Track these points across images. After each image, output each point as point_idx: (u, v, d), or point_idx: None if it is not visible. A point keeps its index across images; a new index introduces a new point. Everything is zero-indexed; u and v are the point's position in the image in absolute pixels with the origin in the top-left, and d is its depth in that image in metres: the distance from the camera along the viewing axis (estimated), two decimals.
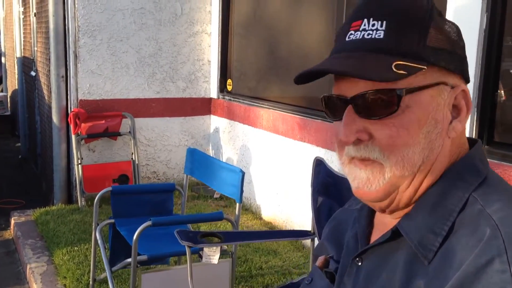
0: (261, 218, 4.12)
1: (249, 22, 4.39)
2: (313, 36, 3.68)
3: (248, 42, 4.45)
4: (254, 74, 4.39)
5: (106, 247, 2.77)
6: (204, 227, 3.65)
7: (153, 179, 4.70)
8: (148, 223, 2.25)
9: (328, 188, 1.90)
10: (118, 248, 2.76)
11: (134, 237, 2.24)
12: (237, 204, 2.39)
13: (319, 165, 1.95)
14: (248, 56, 4.44)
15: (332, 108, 0.80)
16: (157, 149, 4.69)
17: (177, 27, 4.59)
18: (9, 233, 4.05)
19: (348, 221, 0.93)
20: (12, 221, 4.05)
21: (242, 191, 2.35)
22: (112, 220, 2.73)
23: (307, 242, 3.21)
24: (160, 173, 4.73)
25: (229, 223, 2.60)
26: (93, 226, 2.76)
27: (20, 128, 6.70)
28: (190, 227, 2.74)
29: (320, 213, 1.87)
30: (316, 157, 2.00)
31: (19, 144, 6.85)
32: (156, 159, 4.69)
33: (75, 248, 3.43)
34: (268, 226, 3.95)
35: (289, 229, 3.72)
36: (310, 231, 2.21)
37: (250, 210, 4.27)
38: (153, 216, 2.80)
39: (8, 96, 8.17)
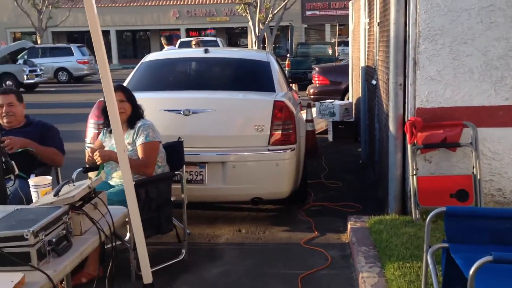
0: None
1: None
2: None
3: None
4: None
5: (438, 271, 2.53)
6: None
7: (498, 197, 4.14)
8: (488, 258, 1.91)
9: None
10: (453, 276, 2.47)
11: (471, 272, 1.93)
12: None
13: None
14: None
15: None
16: (504, 163, 4.11)
17: None
18: (346, 237, 4.23)
19: None
20: (349, 226, 4.21)
21: None
22: (446, 245, 2.46)
23: None
24: (507, 191, 4.13)
25: None
26: (424, 249, 2.55)
27: (361, 134, 7.03)
28: None
29: None
30: None
31: (360, 149, 7.19)
32: (503, 174, 4.12)
33: (407, 264, 3.29)
34: None
35: None
36: None
37: None
38: (496, 245, 2.41)
39: (353, 104, 8.72)
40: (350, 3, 9.23)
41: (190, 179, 4.24)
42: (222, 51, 6.25)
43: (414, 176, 4.05)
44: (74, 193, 1.96)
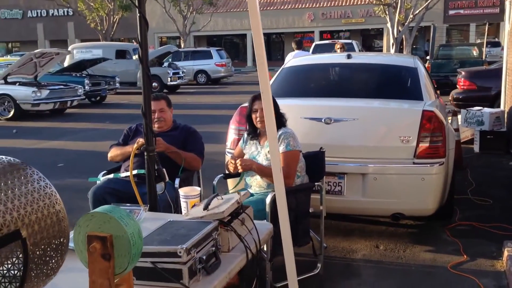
0: None
1: None
2: None
3: None
4: None
5: None
6: None
7: None
8: None
9: None
10: None
11: None
12: None
13: None
14: None
15: None
16: None
17: None
18: (501, 265, 3.78)
19: None
20: (505, 253, 3.75)
21: None
22: None
23: None
24: None
25: None
26: None
27: None
28: None
29: None
30: None
31: None
32: None
33: None
34: None
35: None
36: None
37: None
38: None
39: (506, 112, 7.90)
40: (507, 2, 8.39)
41: (328, 189, 4.09)
42: (366, 57, 5.97)
43: None
44: (223, 208, 1.93)
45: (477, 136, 7.69)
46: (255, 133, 3.72)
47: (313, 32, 37.17)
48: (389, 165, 4.02)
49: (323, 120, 4.10)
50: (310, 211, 3.62)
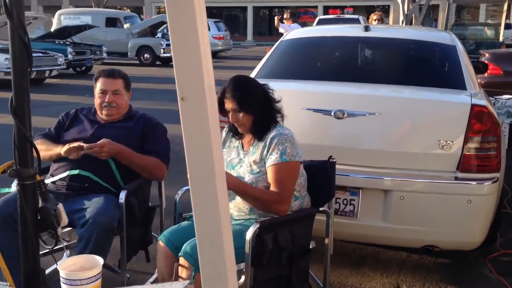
0: None
1: None
2: None
3: None
4: None
5: None
6: None
7: None
8: None
9: None
10: None
11: None
12: None
13: None
14: None
15: None
16: None
17: None
18: None
19: None
20: None
21: None
22: None
23: None
24: None
25: None
26: None
27: None
28: None
29: None
30: None
31: None
32: None
33: None
34: None
35: None
36: None
37: None
38: None
39: None
40: None
41: (337, 208, 2.98)
42: (388, 29, 4.69)
43: None
44: None
45: (507, 130, 6.58)
46: (237, 130, 2.59)
47: (316, 7, 35.60)
48: (422, 180, 2.89)
49: (332, 114, 2.95)
50: (311, 247, 2.53)
